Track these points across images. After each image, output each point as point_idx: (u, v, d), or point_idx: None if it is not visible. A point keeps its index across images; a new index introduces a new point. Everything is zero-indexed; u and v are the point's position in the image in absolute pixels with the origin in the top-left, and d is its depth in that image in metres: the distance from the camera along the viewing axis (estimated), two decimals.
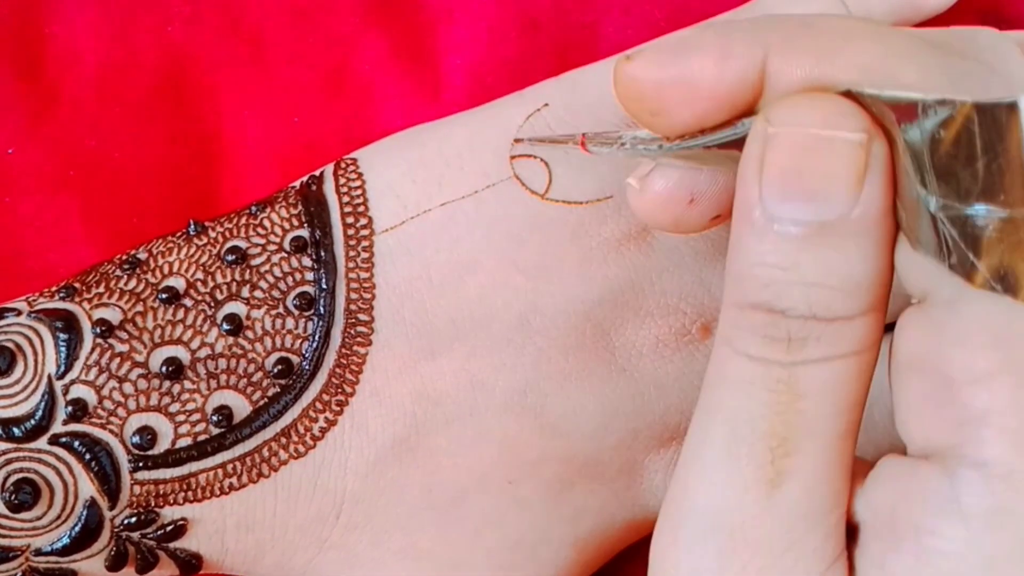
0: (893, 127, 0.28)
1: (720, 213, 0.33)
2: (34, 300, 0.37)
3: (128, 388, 0.36)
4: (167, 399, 0.36)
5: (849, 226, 0.28)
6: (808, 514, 0.30)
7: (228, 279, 0.37)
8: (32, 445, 0.35)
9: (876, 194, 0.29)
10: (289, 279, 0.37)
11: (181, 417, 0.36)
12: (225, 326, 0.37)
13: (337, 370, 0.37)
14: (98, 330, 0.36)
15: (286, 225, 0.38)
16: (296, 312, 0.37)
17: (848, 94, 0.29)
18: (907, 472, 0.29)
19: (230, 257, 0.37)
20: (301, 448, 0.36)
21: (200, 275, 0.37)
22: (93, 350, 0.36)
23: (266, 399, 0.37)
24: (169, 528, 0.36)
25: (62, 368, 0.36)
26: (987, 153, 0.27)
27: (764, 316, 0.29)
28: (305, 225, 0.38)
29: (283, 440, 0.36)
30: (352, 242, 0.38)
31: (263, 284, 0.37)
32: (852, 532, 0.31)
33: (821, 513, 0.30)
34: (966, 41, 0.30)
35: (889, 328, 0.31)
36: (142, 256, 0.38)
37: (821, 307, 0.29)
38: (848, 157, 0.28)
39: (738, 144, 0.30)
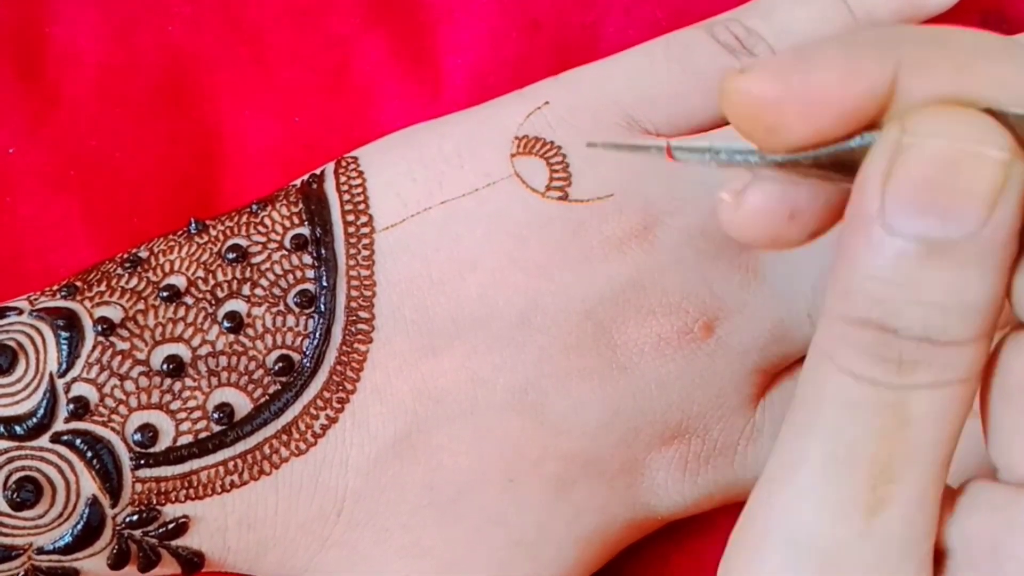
0: None
1: (819, 229, 0.31)
2: (35, 299, 0.37)
3: (129, 386, 0.36)
4: (168, 397, 0.36)
5: (975, 247, 0.27)
6: (905, 544, 0.28)
7: (229, 277, 0.37)
8: (34, 443, 0.35)
9: (1008, 216, 0.27)
10: (290, 277, 0.37)
11: (182, 415, 0.36)
12: (226, 324, 0.37)
13: (338, 367, 0.37)
14: (99, 328, 0.36)
15: (287, 223, 0.38)
16: (297, 310, 0.37)
17: (989, 111, 0.27)
18: (1009, 502, 0.28)
19: (231, 255, 0.38)
20: (302, 445, 0.36)
21: (201, 273, 0.37)
22: (95, 348, 0.36)
23: (267, 396, 0.37)
24: (171, 526, 0.36)
25: (64, 366, 0.36)
26: None
27: (874, 334, 0.27)
28: (306, 223, 0.38)
29: (284, 437, 0.36)
30: (353, 240, 0.38)
31: (264, 282, 0.37)
32: (938, 559, 0.29)
33: (916, 543, 0.29)
34: None
35: None
36: (143, 254, 0.38)
37: (936, 329, 0.27)
38: (988, 175, 0.27)
39: (849, 157, 0.29)
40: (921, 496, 0.28)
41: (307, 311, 0.37)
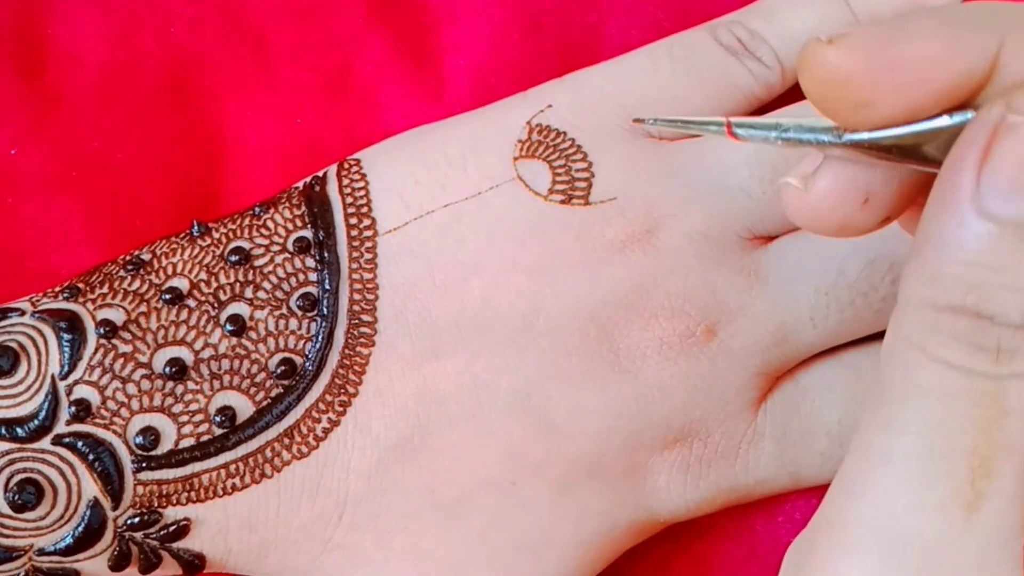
0: None
1: (890, 215, 0.30)
2: (38, 300, 0.37)
3: (131, 389, 0.36)
4: (170, 400, 0.36)
5: None
6: (1003, 540, 0.28)
7: (231, 280, 0.37)
8: (35, 445, 0.35)
9: None
10: (292, 280, 0.37)
11: (184, 418, 0.36)
12: (228, 327, 0.37)
13: (340, 371, 0.37)
14: (102, 331, 0.36)
15: (289, 226, 0.38)
16: (299, 313, 0.37)
17: None
18: None
19: (233, 258, 0.38)
20: (304, 449, 0.36)
21: (203, 276, 0.37)
22: (97, 350, 0.36)
23: (269, 400, 0.36)
24: (172, 528, 0.36)
25: (66, 368, 0.36)
26: None
27: (969, 321, 0.27)
28: (308, 226, 0.38)
29: (286, 441, 0.36)
30: (355, 243, 0.38)
31: (266, 285, 0.37)
32: None
33: (1014, 539, 0.28)
34: None
35: None
36: (146, 257, 0.38)
37: None
38: None
39: (934, 138, 0.28)
40: (1019, 491, 0.28)
41: (309, 314, 0.37)
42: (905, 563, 0.28)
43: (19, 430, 0.35)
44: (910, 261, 0.28)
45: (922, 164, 0.28)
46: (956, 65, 0.27)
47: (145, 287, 0.37)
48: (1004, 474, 0.27)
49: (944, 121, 0.28)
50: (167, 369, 0.36)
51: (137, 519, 0.36)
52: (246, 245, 0.38)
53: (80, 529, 0.36)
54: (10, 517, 0.35)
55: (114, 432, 0.36)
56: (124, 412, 0.36)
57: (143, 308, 0.37)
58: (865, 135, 0.28)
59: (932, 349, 0.27)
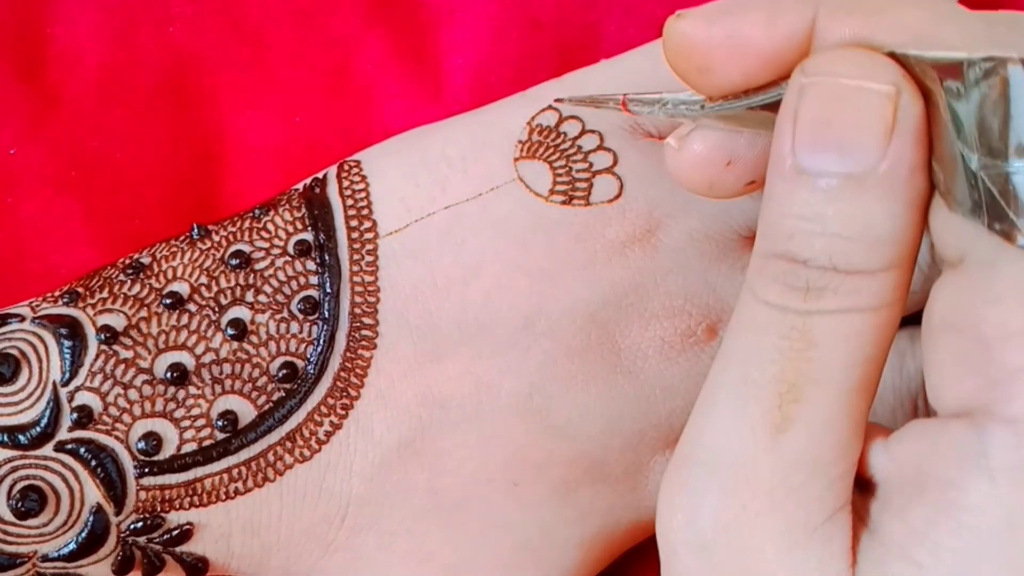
0: (936, 86, 0.28)
1: (755, 179, 0.33)
2: (37, 305, 0.37)
3: (133, 394, 0.36)
4: (172, 405, 0.36)
5: (876, 180, 0.29)
6: (812, 462, 0.30)
7: (232, 283, 0.37)
8: (38, 452, 0.35)
9: (905, 150, 0.29)
10: (293, 283, 0.37)
11: (186, 423, 0.36)
12: (229, 331, 0.37)
13: (342, 374, 0.37)
14: (102, 336, 0.36)
15: (290, 228, 0.38)
16: (300, 316, 0.37)
17: (892, 55, 0.29)
18: (936, 430, 0.29)
19: (234, 261, 0.37)
20: (306, 452, 0.36)
21: (204, 280, 0.37)
22: (98, 357, 0.36)
23: (271, 404, 0.36)
24: (175, 532, 0.36)
25: (67, 375, 0.36)
26: None
27: (786, 265, 0.29)
28: (309, 228, 0.38)
29: (288, 444, 0.36)
30: (356, 245, 0.38)
31: (267, 288, 0.37)
32: (869, 487, 0.31)
33: (826, 463, 0.30)
34: (1011, 20, 0.30)
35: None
36: (146, 260, 0.38)
37: (841, 259, 0.29)
38: (876, 110, 0.28)
39: (779, 106, 0.30)
40: (830, 417, 0.30)
41: (311, 317, 0.37)
42: (717, 477, 0.30)
43: (21, 437, 0.35)
44: (759, 216, 0.30)
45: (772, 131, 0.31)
46: (777, 34, 0.30)
47: (145, 291, 0.37)
48: (814, 400, 0.30)
49: (780, 91, 0.30)
50: (168, 374, 0.36)
51: (140, 524, 0.36)
52: (246, 248, 0.38)
53: (83, 535, 0.36)
54: (14, 524, 0.35)
55: (116, 438, 0.36)
56: (126, 418, 0.36)
57: (143, 313, 0.37)
58: (719, 105, 0.32)
59: (756, 291, 0.30)
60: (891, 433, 0.31)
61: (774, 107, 0.30)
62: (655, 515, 0.38)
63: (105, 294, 0.37)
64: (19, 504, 0.35)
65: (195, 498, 0.36)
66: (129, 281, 0.37)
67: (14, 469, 0.35)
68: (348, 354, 0.37)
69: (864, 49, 0.29)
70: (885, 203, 0.29)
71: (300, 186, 0.39)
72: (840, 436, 0.30)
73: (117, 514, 0.36)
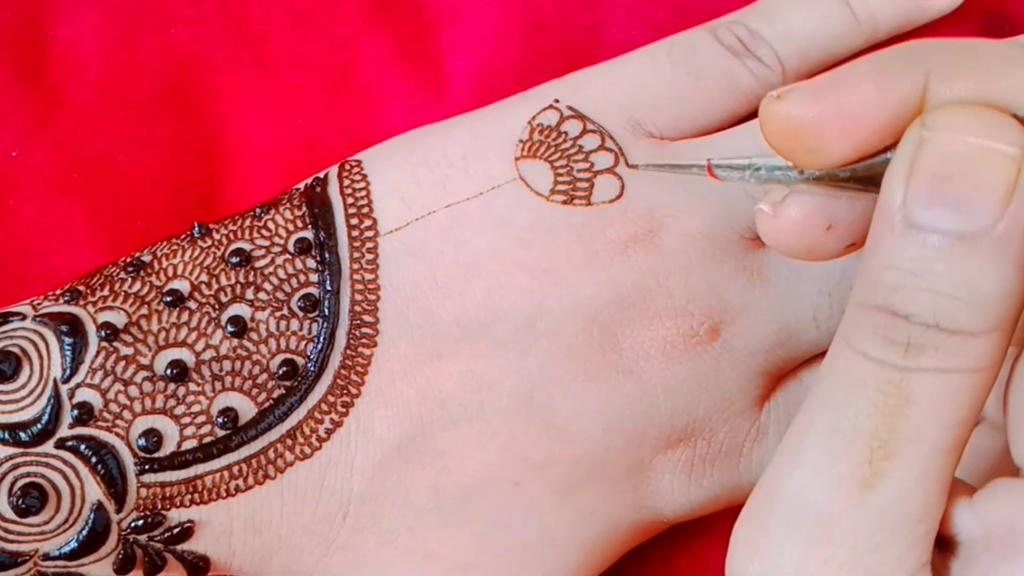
0: None
1: (855, 241, 0.32)
2: (38, 304, 0.37)
3: (133, 391, 0.36)
4: (172, 402, 0.36)
5: (990, 241, 0.28)
6: (898, 520, 0.29)
7: (232, 281, 0.37)
8: (39, 449, 0.35)
9: (1023, 212, 0.28)
10: (293, 281, 0.37)
11: (186, 419, 0.36)
12: (229, 328, 0.37)
13: (342, 371, 0.37)
14: (103, 333, 0.36)
15: (290, 227, 0.38)
16: (301, 314, 0.37)
17: (1016, 117, 0.28)
18: None
19: (234, 259, 0.37)
20: (307, 450, 0.36)
21: (204, 277, 0.37)
22: (98, 354, 0.36)
23: (271, 401, 0.36)
24: (176, 530, 0.36)
25: (67, 372, 0.36)
26: None
27: (887, 318, 0.29)
28: (309, 227, 0.38)
29: (289, 442, 0.36)
30: (356, 244, 0.38)
31: (267, 286, 0.37)
32: (950, 546, 0.30)
33: (911, 521, 0.29)
34: None
35: None
36: (146, 258, 0.38)
37: (946, 318, 0.28)
38: (1000, 170, 0.28)
39: (884, 168, 0.30)
40: (919, 476, 0.29)
41: (311, 315, 0.37)
42: (800, 528, 0.30)
43: (22, 434, 0.35)
44: (860, 264, 0.30)
45: (878, 192, 0.30)
46: (890, 102, 0.29)
47: (146, 289, 0.37)
48: (905, 458, 0.29)
49: (890, 154, 0.30)
50: (169, 371, 0.36)
51: (141, 522, 0.36)
52: (247, 246, 0.38)
53: (84, 533, 0.36)
54: (14, 522, 0.35)
55: (117, 435, 0.36)
56: (126, 415, 0.36)
57: (144, 310, 0.37)
58: (819, 172, 0.31)
59: (853, 341, 0.29)
60: (975, 491, 0.30)
61: (878, 169, 0.30)
62: (655, 515, 0.39)
63: (106, 292, 0.37)
64: (20, 502, 0.35)
65: (195, 495, 0.36)
66: (130, 279, 0.37)
67: (15, 467, 0.35)
68: (348, 352, 0.37)
69: (990, 109, 0.28)
70: (996, 265, 0.28)
71: (301, 185, 0.40)
72: (928, 495, 0.30)
73: (118, 512, 0.36)
